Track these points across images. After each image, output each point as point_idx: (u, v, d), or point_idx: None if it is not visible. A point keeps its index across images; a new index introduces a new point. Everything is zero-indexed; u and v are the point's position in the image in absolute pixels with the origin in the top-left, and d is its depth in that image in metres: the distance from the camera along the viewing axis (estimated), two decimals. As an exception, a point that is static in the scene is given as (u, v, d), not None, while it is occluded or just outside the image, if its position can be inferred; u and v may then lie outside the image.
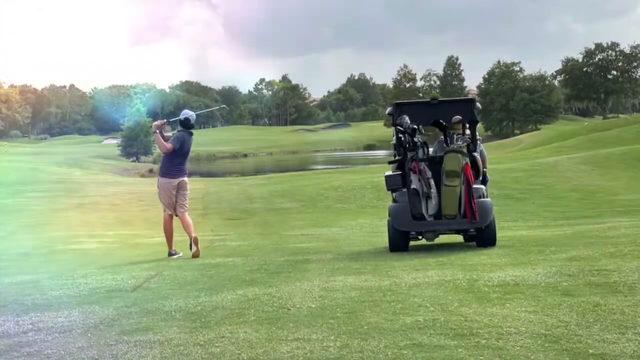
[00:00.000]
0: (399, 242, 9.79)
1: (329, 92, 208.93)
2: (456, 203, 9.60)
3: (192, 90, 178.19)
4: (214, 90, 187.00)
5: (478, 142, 10.26)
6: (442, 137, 10.35)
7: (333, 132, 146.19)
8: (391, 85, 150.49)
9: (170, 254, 10.64)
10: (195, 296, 6.67)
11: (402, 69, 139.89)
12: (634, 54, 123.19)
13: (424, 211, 9.66)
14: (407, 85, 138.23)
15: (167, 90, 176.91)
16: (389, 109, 10.73)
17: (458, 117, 10.20)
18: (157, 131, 10.80)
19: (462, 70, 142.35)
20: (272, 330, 5.10)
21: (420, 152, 9.89)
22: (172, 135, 10.96)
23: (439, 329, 4.93)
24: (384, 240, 10.96)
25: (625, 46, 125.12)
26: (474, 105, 10.35)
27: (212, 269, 8.64)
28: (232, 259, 9.69)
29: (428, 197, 9.69)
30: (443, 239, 10.79)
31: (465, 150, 9.81)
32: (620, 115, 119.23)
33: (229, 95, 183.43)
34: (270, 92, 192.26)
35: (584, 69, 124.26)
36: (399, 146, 10.10)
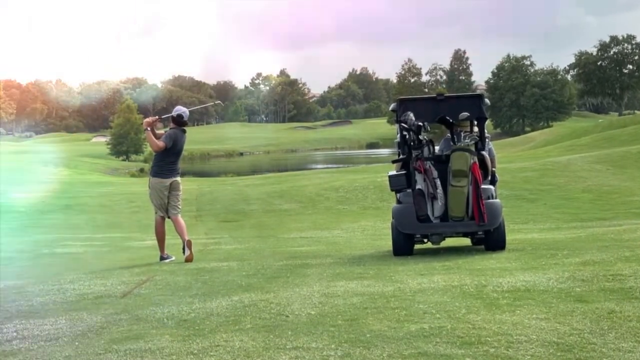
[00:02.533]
0: (403, 246, 9.79)
1: (329, 87, 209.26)
2: (463, 204, 9.60)
3: (185, 86, 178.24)
4: (208, 85, 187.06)
5: (487, 140, 10.27)
6: (448, 134, 10.35)
7: (334, 130, 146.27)
8: (395, 80, 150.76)
9: (162, 258, 10.64)
10: (188, 302, 6.67)
11: (406, 63, 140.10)
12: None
13: (429, 213, 9.67)
14: (412, 80, 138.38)
15: (159, 85, 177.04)
16: (392, 106, 10.74)
17: (465, 114, 10.19)
18: (149, 128, 10.80)
19: (469, 64, 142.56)
20: (269, 339, 5.10)
21: (425, 150, 9.90)
22: (164, 133, 10.96)
23: (446, 337, 4.93)
24: (387, 243, 10.97)
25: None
26: (483, 101, 10.35)
27: (206, 273, 8.65)
28: (228, 264, 9.70)
29: (434, 198, 9.69)
30: (449, 242, 10.80)
31: (473, 148, 9.81)
32: (637, 112, 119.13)
33: (224, 91, 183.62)
34: (267, 88, 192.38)
35: (598, 63, 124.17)
36: (403, 144, 10.11)
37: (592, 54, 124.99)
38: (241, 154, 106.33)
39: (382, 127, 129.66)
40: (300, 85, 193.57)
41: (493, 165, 10.30)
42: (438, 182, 9.74)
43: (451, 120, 10.19)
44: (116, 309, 6.53)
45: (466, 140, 9.88)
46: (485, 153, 10.00)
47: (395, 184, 10.02)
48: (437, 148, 10.43)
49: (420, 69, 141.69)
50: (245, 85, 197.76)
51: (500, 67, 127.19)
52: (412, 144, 9.87)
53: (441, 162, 9.91)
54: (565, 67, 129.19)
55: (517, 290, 6.39)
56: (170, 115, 11.13)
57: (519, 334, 4.91)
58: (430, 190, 9.69)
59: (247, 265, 9.33)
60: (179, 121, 10.92)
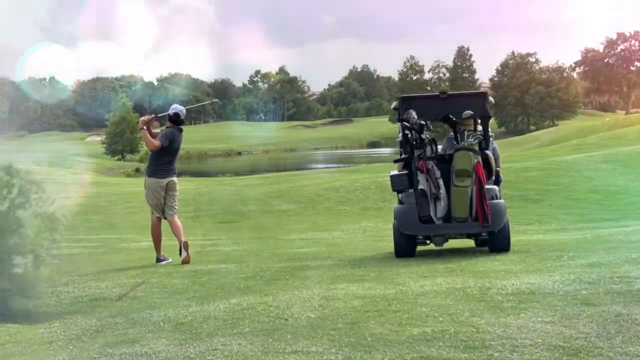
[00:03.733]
0: (406, 247, 9.80)
1: (329, 85, 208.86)
2: (467, 205, 9.60)
3: (182, 84, 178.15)
4: (205, 83, 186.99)
5: (491, 139, 10.27)
6: (451, 133, 10.35)
7: (334, 129, 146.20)
8: (397, 78, 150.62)
9: (158, 260, 10.64)
10: (185, 305, 6.68)
11: (408, 60, 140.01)
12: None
13: (432, 214, 9.67)
14: (414, 77, 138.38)
15: (155, 83, 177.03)
16: (394, 104, 10.74)
17: (469, 112, 10.20)
18: (145, 127, 10.81)
19: (473, 61, 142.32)
20: (268, 343, 5.10)
21: (428, 149, 9.90)
22: (160, 132, 10.96)
23: (449, 340, 4.93)
24: (389, 245, 10.96)
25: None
26: (487, 100, 10.36)
27: (203, 276, 8.65)
28: (225, 266, 9.70)
29: (436, 198, 9.69)
30: (453, 243, 10.80)
31: (476, 147, 9.81)
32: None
33: (221, 89, 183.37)
34: (266, 85, 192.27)
35: (605, 60, 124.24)
36: (405, 143, 10.11)
37: (598, 51, 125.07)
38: (239, 153, 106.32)
39: (384, 125, 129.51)
40: (300, 82, 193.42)
41: (497, 165, 10.30)
42: (441, 182, 9.74)
43: (454, 119, 10.19)
44: (111, 312, 6.54)
45: (470, 140, 9.88)
46: (489, 152, 10.00)
47: (397, 184, 10.03)
48: (440, 147, 10.43)
49: (423, 66, 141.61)
50: (243, 83, 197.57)
51: (504, 65, 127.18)
52: (414, 143, 9.87)
53: (444, 161, 9.91)
54: (571, 65, 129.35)
55: (522, 293, 6.39)
56: (166, 113, 11.13)
57: (524, 338, 4.91)
58: (432, 191, 9.69)
59: (245, 268, 9.33)
60: (176, 120, 10.92)
